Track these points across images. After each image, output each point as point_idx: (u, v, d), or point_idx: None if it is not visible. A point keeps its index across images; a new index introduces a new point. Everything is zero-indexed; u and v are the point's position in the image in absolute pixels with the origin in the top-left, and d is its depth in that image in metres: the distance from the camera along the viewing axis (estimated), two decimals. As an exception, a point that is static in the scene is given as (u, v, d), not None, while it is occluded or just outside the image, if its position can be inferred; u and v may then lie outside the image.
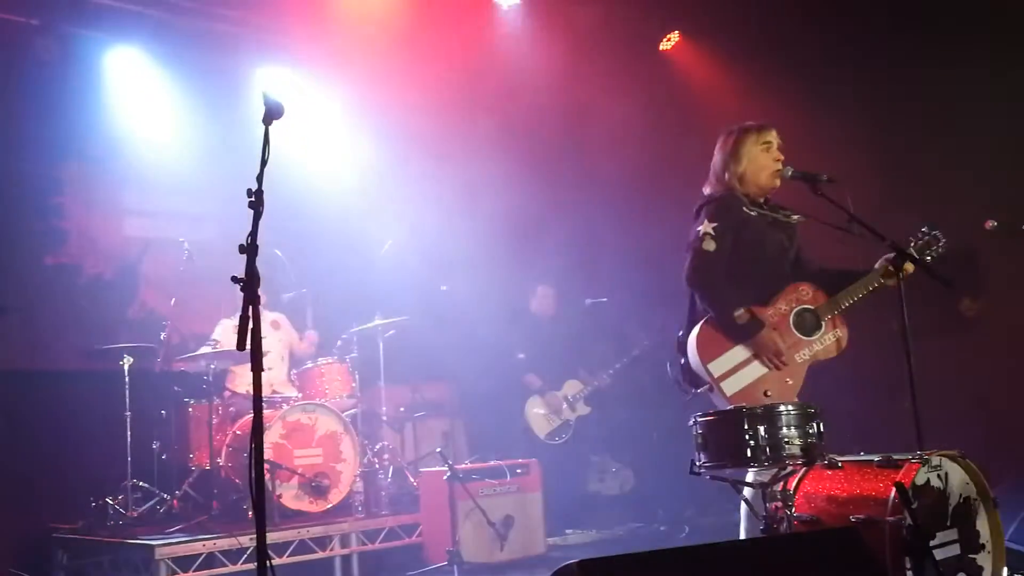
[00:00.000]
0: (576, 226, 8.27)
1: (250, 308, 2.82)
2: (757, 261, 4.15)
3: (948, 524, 3.55)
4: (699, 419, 3.70)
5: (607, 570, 2.82)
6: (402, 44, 7.69)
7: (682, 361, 4.22)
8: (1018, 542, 4.06)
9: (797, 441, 3.55)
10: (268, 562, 2.81)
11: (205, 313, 7.41)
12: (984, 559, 3.61)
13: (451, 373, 8.10)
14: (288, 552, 5.86)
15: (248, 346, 2.87)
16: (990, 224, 4.94)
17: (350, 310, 7.48)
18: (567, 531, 6.81)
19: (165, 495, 6.35)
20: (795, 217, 4.27)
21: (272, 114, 3.30)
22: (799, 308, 4.13)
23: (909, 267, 4.09)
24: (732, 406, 3.79)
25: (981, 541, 3.63)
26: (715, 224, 4.11)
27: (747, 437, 3.53)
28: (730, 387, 4.05)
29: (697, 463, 3.70)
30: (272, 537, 5.77)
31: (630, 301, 8.12)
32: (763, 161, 4.23)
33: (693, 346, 4.12)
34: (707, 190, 4.32)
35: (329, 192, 8.10)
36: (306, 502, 6.20)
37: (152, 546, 5.38)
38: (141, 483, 6.34)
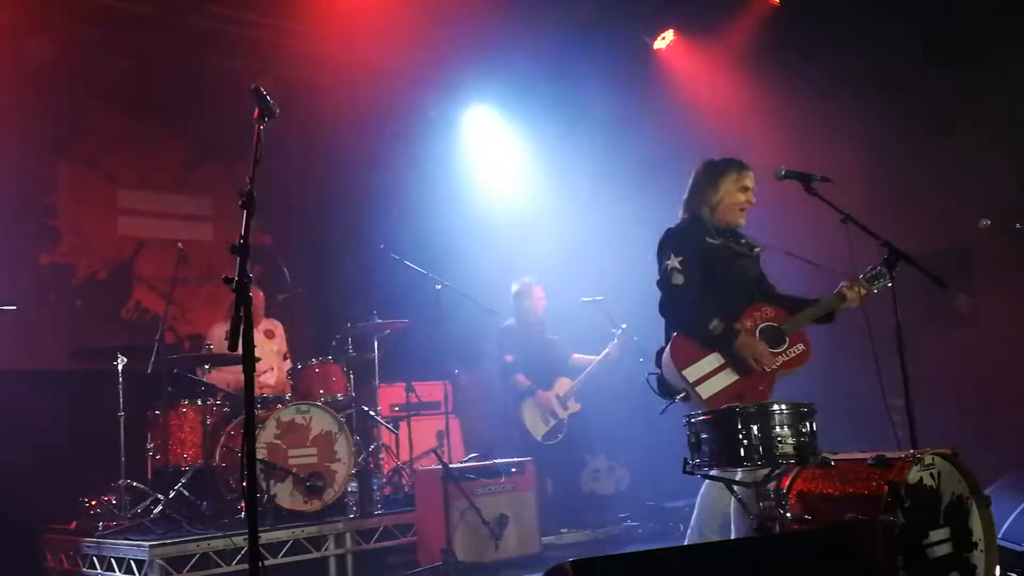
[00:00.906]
0: (570, 223, 8.29)
1: (242, 309, 2.81)
2: (722, 286, 4.40)
3: (941, 523, 3.56)
4: (692, 419, 3.71)
5: (599, 570, 2.82)
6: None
7: (657, 372, 4.44)
8: (1011, 540, 4.07)
9: (790, 440, 3.58)
10: (260, 563, 2.81)
11: (200, 313, 7.41)
12: (977, 557, 3.62)
13: (446, 372, 8.09)
14: (283, 552, 5.85)
15: (240, 347, 2.86)
16: (984, 223, 4.94)
17: (345, 309, 7.48)
18: (562, 530, 6.80)
19: (159, 495, 6.32)
20: (756, 249, 4.55)
21: (266, 113, 3.30)
22: (763, 324, 4.37)
23: (855, 294, 4.38)
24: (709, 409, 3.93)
25: (974, 539, 3.64)
26: (680, 258, 4.38)
27: (740, 436, 3.54)
28: (705, 391, 4.23)
29: (690, 462, 3.72)
30: (267, 537, 5.76)
31: (628, 300, 8.12)
32: (736, 199, 4.49)
33: (668, 355, 4.33)
34: (680, 215, 4.61)
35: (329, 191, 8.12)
36: (301, 502, 6.19)
37: (146, 546, 5.37)
38: (135, 483, 6.32)
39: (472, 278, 7.72)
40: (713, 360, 4.28)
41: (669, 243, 4.47)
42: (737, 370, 4.28)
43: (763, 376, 4.29)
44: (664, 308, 4.47)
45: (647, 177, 7.90)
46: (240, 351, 2.91)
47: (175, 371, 6.56)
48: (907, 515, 3.29)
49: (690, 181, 4.62)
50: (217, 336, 6.97)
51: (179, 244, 6.90)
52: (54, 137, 7.72)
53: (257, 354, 6.87)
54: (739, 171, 4.53)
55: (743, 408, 3.57)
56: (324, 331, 7.59)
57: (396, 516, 6.40)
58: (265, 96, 3.26)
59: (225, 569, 5.58)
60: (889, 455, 3.60)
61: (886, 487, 3.39)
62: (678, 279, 4.37)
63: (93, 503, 6.29)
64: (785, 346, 4.34)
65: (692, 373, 4.26)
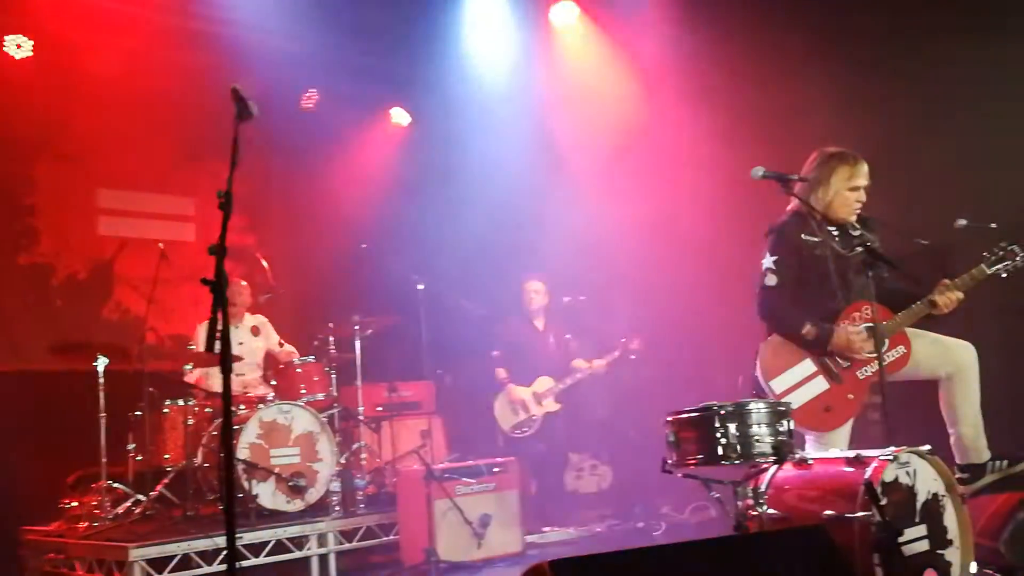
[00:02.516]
0: (560, 221, 8.29)
1: (219, 310, 2.81)
2: (819, 284, 4.29)
3: (917, 520, 3.58)
4: (671, 417, 3.73)
5: (578, 569, 2.84)
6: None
7: (756, 373, 4.42)
8: (986, 537, 4.10)
9: (768, 439, 3.61)
10: (238, 563, 2.81)
11: (182, 314, 7.39)
12: (952, 554, 3.65)
13: (429, 372, 8.10)
14: (265, 552, 5.84)
15: (218, 348, 2.86)
16: (960, 222, 4.98)
17: (327, 308, 7.48)
18: (545, 529, 6.82)
19: (140, 496, 6.31)
20: (858, 249, 4.29)
21: (243, 115, 3.29)
22: (863, 326, 4.24)
23: (946, 300, 4.27)
24: (794, 422, 3.85)
25: (949, 537, 3.67)
26: (775, 257, 4.35)
27: (718, 435, 3.57)
28: (793, 402, 4.09)
29: (669, 461, 3.74)
30: (248, 537, 5.75)
31: (613, 300, 8.16)
32: (846, 199, 4.40)
33: (758, 363, 4.36)
34: (789, 205, 4.48)
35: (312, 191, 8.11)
36: (283, 501, 6.18)
37: (127, 548, 5.35)
38: (116, 484, 6.30)
39: (456, 278, 7.73)
40: (803, 369, 4.27)
41: (769, 239, 4.41)
42: (828, 377, 4.26)
43: (854, 384, 4.25)
44: (760, 309, 4.41)
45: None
46: (219, 351, 2.91)
47: (158, 370, 6.55)
48: (883, 513, 3.31)
49: (807, 169, 4.48)
50: (202, 337, 6.96)
51: (160, 244, 6.88)
52: (33, 137, 7.68)
53: (242, 353, 6.95)
54: (852, 168, 4.40)
55: (721, 406, 3.60)
56: (306, 331, 7.58)
57: (379, 516, 6.41)
58: (244, 97, 3.26)
59: (207, 569, 5.57)
60: (865, 453, 3.63)
61: (862, 485, 3.42)
62: (771, 280, 4.34)
63: (74, 504, 6.27)
64: (884, 348, 4.20)
65: (779, 384, 4.26)
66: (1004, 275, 4.34)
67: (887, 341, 4.26)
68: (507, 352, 7.43)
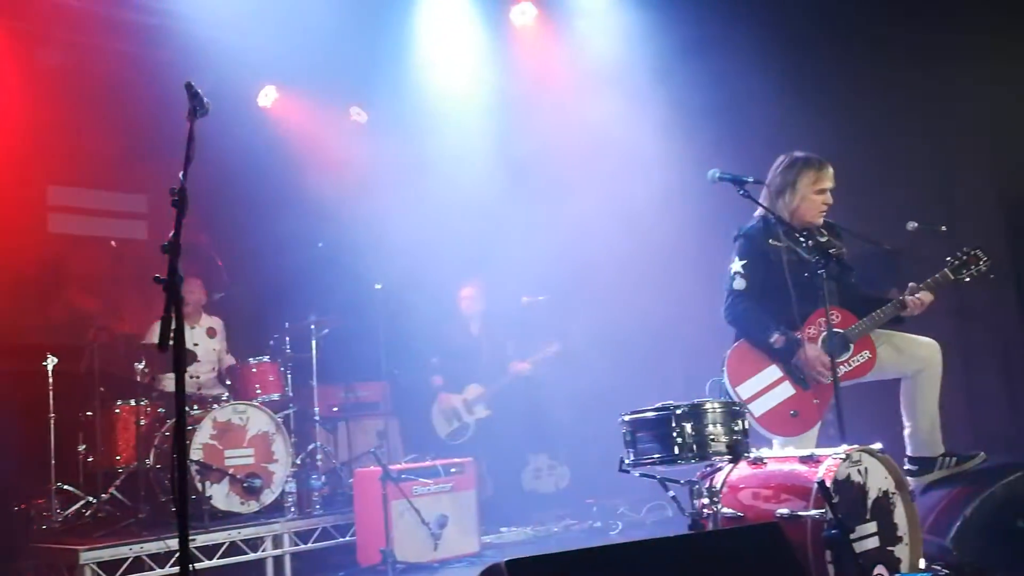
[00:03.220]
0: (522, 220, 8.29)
1: (172, 308, 2.77)
2: (786, 291, 4.28)
3: (868, 517, 3.64)
4: (627, 417, 3.76)
5: (534, 569, 2.84)
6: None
7: (723, 379, 4.45)
8: (935, 534, 4.18)
9: (723, 438, 3.66)
10: (191, 565, 2.77)
11: (134, 312, 7.27)
12: (902, 551, 3.72)
13: (385, 373, 8.06)
14: (219, 554, 5.78)
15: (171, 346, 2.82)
16: (911, 225, 5.06)
17: (283, 308, 7.41)
18: (502, 529, 6.83)
19: (91, 498, 6.21)
20: (832, 250, 4.35)
21: (198, 111, 3.26)
22: (827, 331, 4.25)
23: (916, 302, 4.35)
24: (761, 427, 4.11)
25: (899, 533, 3.73)
26: (744, 261, 4.41)
27: (674, 434, 3.60)
28: (758, 408, 4.28)
29: (626, 460, 3.76)
30: (202, 539, 5.69)
31: (570, 300, 8.18)
32: (813, 202, 4.45)
33: (725, 368, 4.39)
34: (757, 211, 4.54)
35: (263, 187, 8.01)
36: (237, 503, 6.13)
37: (77, 551, 5.27)
38: (66, 486, 6.20)
39: (414, 279, 7.70)
40: (770, 374, 4.32)
41: (737, 244, 4.47)
42: (794, 382, 4.31)
43: (819, 389, 4.29)
44: (727, 313, 4.44)
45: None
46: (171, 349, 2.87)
47: (109, 370, 6.45)
48: (835, 511, 3.36)
49: (771, 176, 4.54)
50: (156, 335, 6.85)
51: (112, 243, 6.78)
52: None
53: (197, 353, 6.87)
54: (817, 171, 4.45)
55: (677, 406, 3.64)
56: (262, 330, 7.50)
57: (335, 517, 6.37)
58: (198, 92, 3.22)
59: (159, 572, 5.52)
60: (819, 452, 3.68)
61: (816, 484, 3.46)
62: (739, 283, 4.39)
63: (23, 507, 6.15)
64: (849, 354, 4.31)
65: (745, 390, 4.31)
66: (967, 279, 4.42)
67: (852, 346, 4.33)
68: (444, 359, 7.49)
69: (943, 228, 4.69)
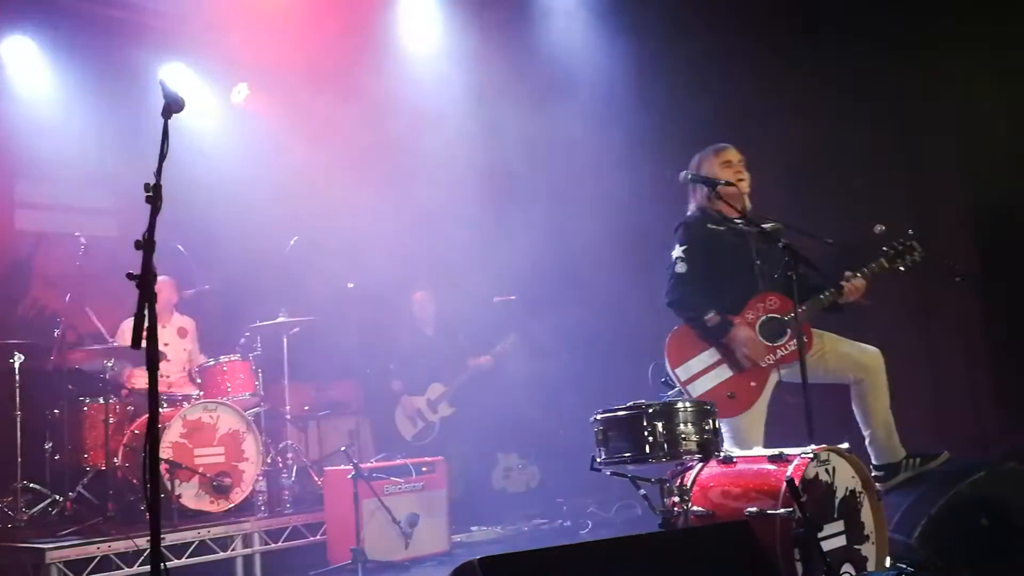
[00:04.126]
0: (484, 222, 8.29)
1: (145, 306, 2.76)
2: (727, 274, 4.47)
3: (835, 516, 3.69)
4: (599, 416, 3.79)
5: (506, 567, 2.86)
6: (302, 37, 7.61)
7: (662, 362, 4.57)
8: (901, 532, 4.24)
9: (694, 437, 3.71)
10: (163, 564, 2.76)
11: (103, 310, 7.20)
12: (868, 549, 3.77)
13: (356, 372, 8.05)
14: (188, 553, 5.74)
15: (144, 344, 2.81)
16: (879, 228, 5.12)
17: (254, 306, 7.36)
18: (472, 528, 6.84)
19: (58, 497, 6.15)
20: (767, 226, 4.49)
21: (172, 107, 3.24)
22: (765, 317, 4.41)
23: (852, 287, 4.48)
24: None
25: (866, 532, 3.79)
26: (684, 247, 4.52)
27: (646, 433, 3.64)
28: (696, 390, 4.39)
29: (597, 459, 3.79)
30: (171, 538, 5.65)
31: (538, 299, 8.20)
32: (726, 175, 4.55)
33: (665, 352, 4.50)
34: (688, 209, 4.72)
35: (233, 185, 7.95)
36: (207, 502, 6.09)
37: (43, 550, 5.21)
38: (32, 484, 6.13)
39: (387, 276, 7.70)
40: (707, 357, 4.42)
41: (677, 233, 4.59)
42: (731, 366, 4.40)
43: (756, 372, 4.38)
44: (667, 296, 4.54)
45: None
46: (144, 348, 2.85)
47: (77, 368, 6.39)
48: (803, 509, 3.41)
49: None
50: (126, 334, 6.80)
51: (80, 239, 6.71)
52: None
53: (168, 353, 6.82)
54: (715, 152, 4.63)
55: (649, 405, 3.67)
56: (232, 328, 7.45)
57: (305, 515, 6.35)
58: (171, 90, 3.20)
59: (127, 571, 5.47)
60: (787, 451, 3.72)
61: (784, 483, 3.51)
62: (680, 267, 4.50)
63: (-12, 505, 6.08)
64: (784, 339, 4.37)
65: (683, 372, 4.42)
66: (902, 268, 4.55)
67: (788, 331, 4.38)
68: (400, 363, 7.53)
69: (910, 231, 4.76)
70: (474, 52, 8.06)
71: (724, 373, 4.41)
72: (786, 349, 4.37)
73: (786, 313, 4.38)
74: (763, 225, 4.51)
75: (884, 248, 4.56)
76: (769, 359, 4.40)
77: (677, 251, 4.52)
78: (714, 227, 4.52)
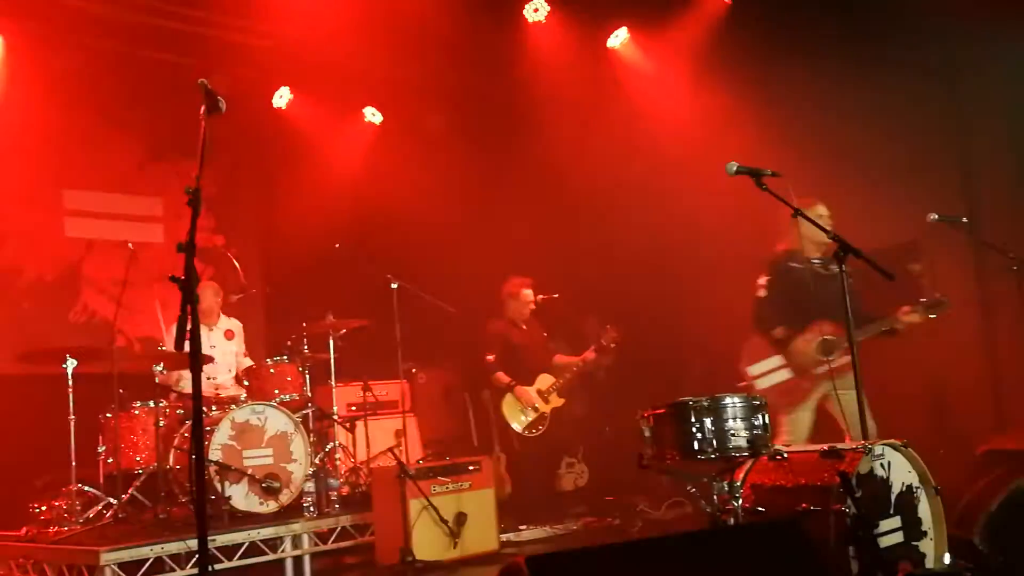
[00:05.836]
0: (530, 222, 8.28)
1: (188, 308, 2.77)
2: (798, 303, 5.27)
3: (891, 512, 3.61)
4: (646, 414, 3.73)
5: (554, 566, 2.82)
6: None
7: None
8: (960, 528, 4.13)
9: (743, 433, 3.64)
10: (211, 566, 2.77)
11: (150, 316, 7.29)
12: (926, 545, 3.68)
13: (403, 371, 8.05)
14: (239, 554, 5.78)
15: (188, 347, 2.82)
16: (931, 216, 5.02)
17: (300, 309, 7.41)
18: (521, 527, 6.81)
19: (111, 499, 6.22)
20: (832, 267, 4.78)
21: (213, 109, 3.25)
22: (822, 338, 5.16)
23: (901, 325, 5.16)
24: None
25: (923, 528, 3.70)
26: (767, 278, 5.45)
27: (694, 430, 3.58)
28: (762, 383, 5.35)
29: (645, 457, 3.74)
30: (222, 539, 5.69)
31: (584, 297, 8.17)
32: (815, 233, 4.89)
33: (742, 354, 5.47)
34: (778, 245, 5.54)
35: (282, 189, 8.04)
36: (256, 503, 6.12)
37: (98, 552, 5.28)
38: (86, 488, 6.21)
39: (430, 276, 7.70)
40: (775, 360, 5.36)
41: (767, 265, 5.49)
42: (792, 369, 5.30)
43: (810, 377, 5.23)
44: (752, 317, 5.46)
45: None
46: (188, 349, 2.86)
47: (128, 372, 6.46)
48: (858, 505, 3.32)
49: (780, 216, 4.94)
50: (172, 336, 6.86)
51: (129, 245, 6.79)
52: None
53: (215, 355, 6.88)
54: (809, 209, 4.97)
55: (696, 401, 3.61)
56: (279, 331, 7.51)
57: (353, 516, 6.35)
58: (212, 92, 3.22)
59: (179, 573, 5.51)
60: (840, 446, 3.64)
61: (837, 478, 3.43)
62: (761, 292, 5.43)
63: (44, 508, 6.16)
64: (835, 356, 5.03)
65: (755, 369, 5.42)
66: (933, 316, 5.18)
67: (838, 352, 5.01)
68: (501, 355, 7.48)
69: (964, 220, 4.68)
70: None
71: (784, 375, 5.31)
72: (832, 364, 4.96)
73: (838, 336, 5.04)
74: (832, 267, 4.74)
75: (922, 300, 5.17)
76: (820, 369, 5.10)
77: (762, 279, 5.43)
78: (795, 265, 5.36)
